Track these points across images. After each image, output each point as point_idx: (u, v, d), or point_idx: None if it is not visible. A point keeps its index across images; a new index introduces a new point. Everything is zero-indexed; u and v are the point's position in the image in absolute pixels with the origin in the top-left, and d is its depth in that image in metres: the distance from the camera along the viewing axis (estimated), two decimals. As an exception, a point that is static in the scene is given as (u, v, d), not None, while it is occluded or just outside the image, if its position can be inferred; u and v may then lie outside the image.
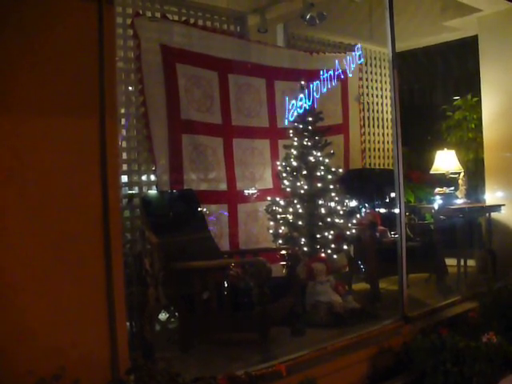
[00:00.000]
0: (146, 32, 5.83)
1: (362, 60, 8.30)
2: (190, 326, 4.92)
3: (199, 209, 5.87)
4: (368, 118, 8.76)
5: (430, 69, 10.49)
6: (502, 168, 7.68)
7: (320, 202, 6.26)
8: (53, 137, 3.19)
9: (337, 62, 7.80)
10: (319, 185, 6.28)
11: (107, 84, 3.38)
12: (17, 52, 3.08)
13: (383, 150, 8.99)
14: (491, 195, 7.78)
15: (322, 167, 6.30)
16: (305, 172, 6.28)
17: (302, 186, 6.26)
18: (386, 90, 9.03)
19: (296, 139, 6.40)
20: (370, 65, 8.93)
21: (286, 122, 6.99)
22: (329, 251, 6.17)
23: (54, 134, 3.20)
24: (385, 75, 9.04)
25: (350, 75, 8.05)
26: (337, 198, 6.34)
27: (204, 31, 6.52)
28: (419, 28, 8.33)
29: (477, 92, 8.17)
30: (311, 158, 6.30)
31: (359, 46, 8.12)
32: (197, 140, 6.23)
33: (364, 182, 7.60)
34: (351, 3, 7.61)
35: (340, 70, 7.73)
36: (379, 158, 8.92)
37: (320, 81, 7.42)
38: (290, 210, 6.26)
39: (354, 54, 8.04)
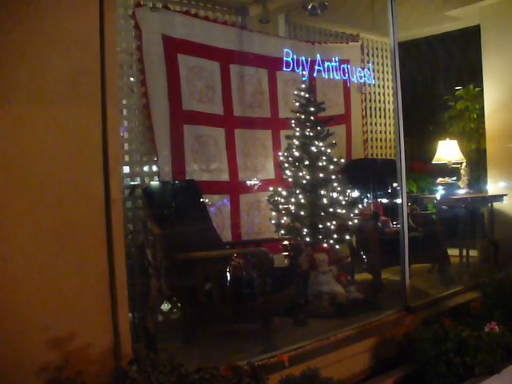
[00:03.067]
0: (147, 23, 5.81)
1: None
2: (192, 316, 4.92)
3: (201, 199, 5.87)
4: (370, 108, 8.75)
5: (432, 59, 10.46)
6: (504, 158, 7.67)
7: (322, 192, 6.25)
8: (54, 128, 3.19)
9: (339, 52, 7.80)
10: (321, 175, 6.27)
11: (109, 75, 3.37)
12: (17, 44, 3.07)
13: (385, 140, 8.99)
14: (493, 185, 7.78)
15: (324, 157, 6.29)
16: (307, 162, 6.27)
17: (304, 176, 6.25)
18: (387, 80, 9.03)
19: (298, 129, 6.39)
20: (372, 55, 8.91)
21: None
22: (331, 241, 6.16)
23: (55, 125, 3.19)
24: (387, 65, 9.04)
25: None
26: (339, 189, 6.33)
27: (205, 22, 6.49)
28: (421, 18, 8.30)
29: (479, 82, 8.15)
30: (313, 149, 6.28)
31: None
32: (199, 130, 6.22)
33: (366, 173, 7.59)
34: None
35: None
36: (381, 148, 8.92)
37: (322, 71, 7.44)
38: (292, 200, 6.25)
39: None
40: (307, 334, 4.76)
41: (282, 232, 6.27)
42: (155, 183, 5.81)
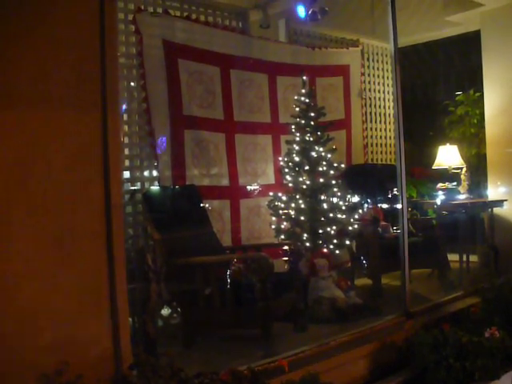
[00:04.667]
0: (147, 27, 5.83)
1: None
2: (192, 321, 4.92)
3: (201, 204, 5.87)
4: (370, 113, 8.75)
5: (432, 64, 10.47)
6: (505, 163, 7.67)
7: (322, 197, 6.24)
8: (55, 133, 3.19)
9: (339, 57, 7.82)
10: (321, 180, 6.27)
11: (109, 79, 3.38)
12: (18, 48, 3.08)
13: (385, 145, 8.99)
14: (493, 190, 7.77)
15: (324, 162, 6.29)
16: (307, 167, 6.27)
17: (305, 181, 6.25)
18: (388, 85, 9.03)
19: (298, 134, 6.38)
20: (372, 60, 8.92)
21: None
22: (331, 246, 6.16)
23: (56, 130, 3.19)
24: (387, 70, 9.04)
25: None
26: (339, 194, 6.33)
27: (206, 27, 6.51)
28: (421, 23, 8.30)
29: (479, 87, 8.16)
30: (313, 154, 6.28)
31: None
32: (199, 135, 6.23)
33: (366, 178, 7.59)
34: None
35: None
36: (381, 153, 8.92)
37: (322, 76, 7.44)
38: (293, 205, 6.25)
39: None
40: (307, 339, 4.75)
41: (282, 237, 6.26)
42: (155, 188, 5.81)
